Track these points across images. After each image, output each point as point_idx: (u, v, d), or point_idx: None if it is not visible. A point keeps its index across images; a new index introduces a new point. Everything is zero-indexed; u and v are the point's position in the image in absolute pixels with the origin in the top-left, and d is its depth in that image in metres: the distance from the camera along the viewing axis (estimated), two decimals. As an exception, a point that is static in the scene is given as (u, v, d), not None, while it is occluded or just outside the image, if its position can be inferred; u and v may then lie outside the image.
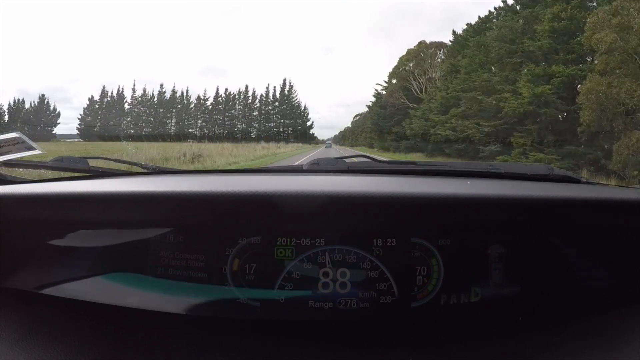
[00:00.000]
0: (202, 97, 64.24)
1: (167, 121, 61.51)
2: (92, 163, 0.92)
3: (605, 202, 0.69)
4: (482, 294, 0.65)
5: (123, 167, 1.13)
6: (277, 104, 62.36)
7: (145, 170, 0.99)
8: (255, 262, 0.64)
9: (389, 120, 32.85)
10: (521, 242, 0.68)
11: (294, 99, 63.04)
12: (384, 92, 36.15)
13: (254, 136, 56.77)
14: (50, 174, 1.00)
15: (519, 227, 0.68)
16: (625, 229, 0.70)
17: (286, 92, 62.88)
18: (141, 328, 0.61)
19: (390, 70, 35.78)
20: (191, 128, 61.38)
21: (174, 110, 61.76)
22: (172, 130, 58.37)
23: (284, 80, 71.74)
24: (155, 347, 0.58)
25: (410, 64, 33.54)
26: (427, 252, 0.64)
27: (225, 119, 61.82)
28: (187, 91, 68.17)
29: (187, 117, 61.91)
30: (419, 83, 31.71)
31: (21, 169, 1.05)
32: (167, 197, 0.63)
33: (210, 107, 62.47)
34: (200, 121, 61.64)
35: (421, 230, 0.65)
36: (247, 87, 70.92)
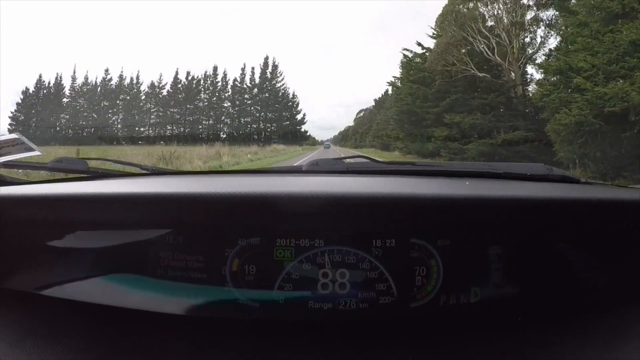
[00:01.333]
0: (156, 83, 44.92)
1: (113, 117, 44.74)
2: (92, 164, 0.92)
3: (605, 202, 0.69)
4: (482, 294, 0.65)
5: (122, 168, 1.13)
6: (255, 90, 44.19)
7: (144, 172, 0.99)
8: (255, 263, 0.64)
9: (435, 101, 16.51)
10: (521, 242, 0.68)
11: (279, 85, 44.41)
12: (418, 59, 19.04)
13: (224, 135, 40.31)
14: (49, 175, 1.00)
15: (518, 227, 0.68)
16: (624, 228, 0.70)
17: (268, 75, 44.11)
18: (141, 329, 0.61)
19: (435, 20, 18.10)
20: (143, 126, 44.34)
21: (120, 103, 44.96)
22: (120, 130, 42.68)
23: (266, 59, 45.98)
24: (154, 347, 0.58)
25: (470, 3, 16.17)
26: (426, 252, 0.64)
27: (187, 113, 44.19)
28: (137, 77, 46.53)
29: (137, 111, 44.75)
30: (489, 42, 15.50)
31: (20, 170, 1.05)
32: (166, 198, 0.63)
33: (166, 96, 44.72)
34: (153, 116, 44.71)
35: (420, 231, 0.65)
36: (216, 68, 45.98)
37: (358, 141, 56.36)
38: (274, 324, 0.63)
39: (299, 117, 45.79)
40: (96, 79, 46.44)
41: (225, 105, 45.70)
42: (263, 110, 44.62)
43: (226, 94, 45.66)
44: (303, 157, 19.92)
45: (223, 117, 45.20)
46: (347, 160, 0.96)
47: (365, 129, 52.88)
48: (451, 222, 0.65)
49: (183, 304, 0.64)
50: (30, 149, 0.84)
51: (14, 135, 0.83)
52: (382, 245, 0.64)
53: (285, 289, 0.63)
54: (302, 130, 46.22)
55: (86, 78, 46.14)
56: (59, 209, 0.66)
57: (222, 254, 0.64)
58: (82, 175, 0.88)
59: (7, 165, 0.85)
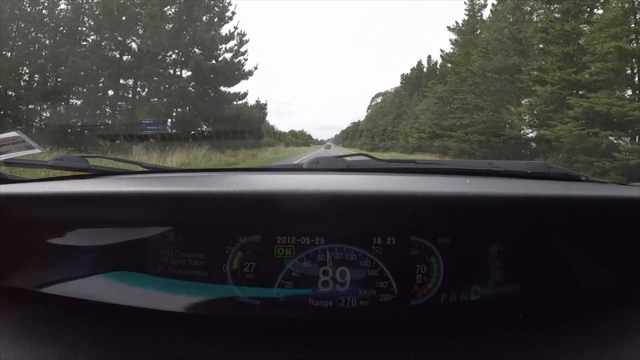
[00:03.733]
0: None
1: None
2: (92, 162, 0.92)
3: (606, 200, 0.68)
4: (482, 292, 0.65)
5: (123, 166, 1.13)
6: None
7: (145, 169, 0.99)
8: (255, 261, 0.64)
9: None
10: (521, 240, 0.68)
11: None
12: None
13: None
14: (50, 173, 1.00)
15: (519, 225, 0.68)
16: (625, 227, 0.69)
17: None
18: (141, 326, 0.61)
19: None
20: None
21: None
22: None
23: None
24: (154, 345, 0.58)
25: None
26: (426, 250, 0.64)
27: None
28: None
29: None
30: None
31: (21, 168, 1.05)
32: (167, 197, 0.63)
33: None
34: None
35: (421, 229, 0.65)
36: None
37: (378, 141, 30.90)
38: (274, 321, 0.63)
39: (224, 52, 16.19)
40: None
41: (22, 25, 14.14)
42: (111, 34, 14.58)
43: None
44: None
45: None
46: (348, 158, 0.96)
47: (390, 119, 31.74)
48: (451, 220, 0.65)
49: (183, 301, 0.64)
50: (31, 147, 0.84)
51: (14, 134, 0.83)
52: (383, 243, 0.64)
53: (286, 286, 0.63)
54: (252, 103, 17.64)
55: None
56: (59, 207, 0.66)
57: (223, 252, 0.64)
58: (83, 173, 0.88)
59: (8, 163, 0.85)
